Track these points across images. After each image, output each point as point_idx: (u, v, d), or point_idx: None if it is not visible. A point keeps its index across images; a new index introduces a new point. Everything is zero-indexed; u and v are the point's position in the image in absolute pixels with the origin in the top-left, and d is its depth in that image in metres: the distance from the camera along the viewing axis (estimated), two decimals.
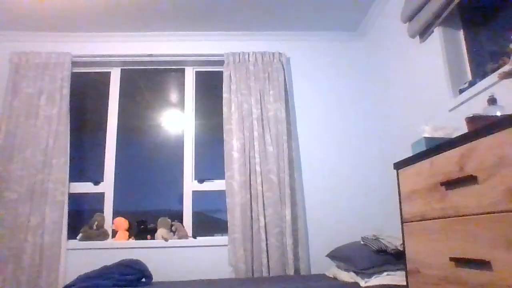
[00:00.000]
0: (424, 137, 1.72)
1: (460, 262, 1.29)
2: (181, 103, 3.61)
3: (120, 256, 2.87)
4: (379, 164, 3.31)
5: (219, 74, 3.48)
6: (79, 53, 3.43)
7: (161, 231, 3.15)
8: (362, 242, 2.56)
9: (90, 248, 3.06)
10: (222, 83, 3.38)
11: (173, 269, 3.03)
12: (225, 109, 3.30)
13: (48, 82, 3.29)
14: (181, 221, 3.28)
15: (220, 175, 3.30)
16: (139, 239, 3.16)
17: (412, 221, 1.63)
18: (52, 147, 3.15)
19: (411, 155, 1.67)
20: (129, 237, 3.18)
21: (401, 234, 1.72)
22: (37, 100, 3.24)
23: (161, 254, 3.07)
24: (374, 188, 3.30)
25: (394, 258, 2.29)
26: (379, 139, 3.36)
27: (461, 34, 2.39)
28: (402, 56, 2.90)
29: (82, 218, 3.28)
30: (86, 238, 3.11)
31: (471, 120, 1.49)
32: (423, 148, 1.64)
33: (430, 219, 1.48)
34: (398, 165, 1.74)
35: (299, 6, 3.23)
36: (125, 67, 3.61)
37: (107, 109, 3.50)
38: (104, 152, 3.41)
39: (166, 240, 3.11)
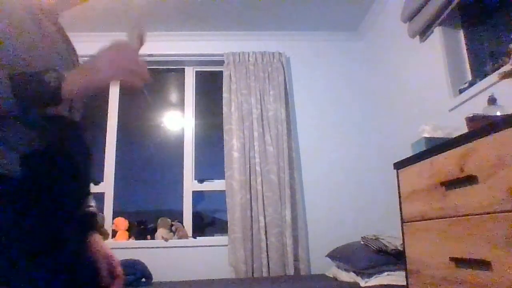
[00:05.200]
0: (424, 137, 1.72)
1: (460, 262, 1.29)
2: (181, 103, 3.61)
3: (120, 256, 2.86)
4: (379, 164, 3.31)
5: (219, 74, 3.48)
6: (79, 53, 3.41)
7: (161, 231, 3.16)
8: (362, 242, 2.56)
9: None
10: (222, 83, 3.38)
11: (173, 269, 3.03)
12: (225, 109, 3.30)
13: None
14: (181, 221, 3.27)
15: (220, 175, 3.30)
16: (139, 239, 3.16)
17: (412, 221, 1.63)
18: None
19: (411, 155, 1.67)
20: (129, 237, 3.18)
21: (401, 234, 1.72)
22: None
23: (161, 254, 3.07)
24: (374, 188, 3.29)
25: (394, 258, 2.29)
26: (379, 139, 3.36)
27: (461, 34, 2.39)
28: (402, 56, 2.89)
29: None
30: None
31: (471, 120, 1.49)
32: (423, 148, 1.64)
33: (430, 219, 1.48)
34: (398, 165, 1.74)
35: (298, 6, 3.22)
36: None
37: (107, 109, 3.50)
38: (104, 152, 3.41)
39: (166, 240, 3.11)
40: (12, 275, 0.77)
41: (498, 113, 1.49)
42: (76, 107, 0.95)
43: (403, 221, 1.70)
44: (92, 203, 1.08)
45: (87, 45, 3.67)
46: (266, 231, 3.02)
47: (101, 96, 3.54)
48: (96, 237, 1.07)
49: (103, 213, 3.25)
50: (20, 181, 0.78)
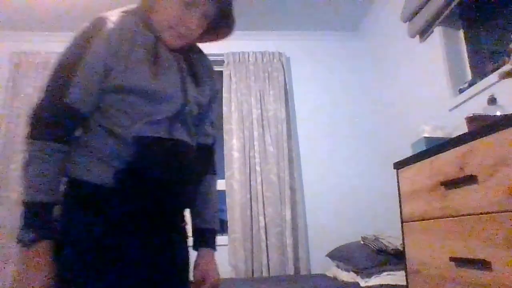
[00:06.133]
0: (424, 137, 1.72)
1: (460, 262, 1.29)
2: None
3: None
4: (379, 164, 3.30)
5: (219, 74, 3.48)
6: None
7: None
8: (362, 242, 2.56)
9: None
10: (222, 83, 3.38)
11: None
12: (225, 109, 3.30)
13: None
14: None
15: (220, 175, 3.29)
16: None
17: (412, 221, 1.63)
18: None
19: (411, 155, 1.67)
20: None
21: (401, 234, 1.72)
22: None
23: None
24: (374, 188, 3.29)
25: (394, 258, 2.29)
26: (379, 139, 3.36)
27: (461, 34, 2.39)
28: (402, 56, 2.89)
29: None
30: None
31: (471, 120, 1.49)
32: (423, 148, 1.64)
33: (430, 219, 1.48)
34: (398, 165, 1.74)
35: (299, 6, 3.22)
36: None
37: None
38: None
39: None
40: (93, 275, 0.88)
41: (498, 113, 1.48)
42: (193, 131, 1.05)
43: (403, 221, 1.70)
44: (208, 217, 1.18)
45: None
46: (266, 231, 3.02)
47: None
48: (205, 254, 1.17)
49: None
50: (111, 191, 0.91)
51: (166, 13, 0.97)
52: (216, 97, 1.19)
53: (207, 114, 1.14)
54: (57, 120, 0.90)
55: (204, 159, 1.10)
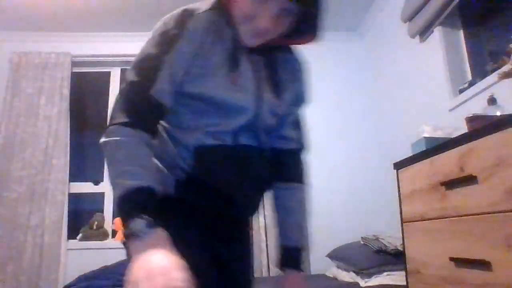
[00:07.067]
0: (424, 137, 1.72)
1: (460, 262, 1.29)
2: None
3: (120, 256, 2.86)
4: (379, 164, 3.30)
5: None
6: (79, 53, 3.42)
7: None
8: (362, 242, 2.56)
9: (90, 248, 3.06)
10: None
11: None
12: None
13: (48, 82, 3.29)
14: None
15: None
16: None
17: (412, 221, 1.63)
18: (52, 147, 3.15)
19: (411, 155, 1.67)
20: None
21: (401, 234, 1.72)
22: (37, 100, 3.24)
23: None
24: (374, 188, 3.29)
25: (394, 258, 2.29)
26: (379, 139, 3.36)
27: (461, 34, 2.39)
28: (402, 56, 2.89)
29: (82, 218, 3.27)
30: (86, 238, 3.11)
31: (471, 120, 1.49)
32: (423, 148, 1.64)
33: (430, 219, 1.48)
34: (398, 165, 1.74)
35: None
36: (125, 67, 3.61)
37: (107, 109, 3.50)
38: None
39: None
40: None
41: (498, 113, 1.48)
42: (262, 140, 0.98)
43: (403, 221, 1.70)
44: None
45: (87, 45, 3.66)
46: (266, 231, 3.02)
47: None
48: (290, 276, 1.04)
49: (103, 213, 3.26)
50: (174, 200, 0.91)
51: (242, 7, 0.90)
52: (301, 100, 1.09)
53: (285, 120, 1.06)
54: (144, 112, 0.86)
55: (279, 165, 1.06)
